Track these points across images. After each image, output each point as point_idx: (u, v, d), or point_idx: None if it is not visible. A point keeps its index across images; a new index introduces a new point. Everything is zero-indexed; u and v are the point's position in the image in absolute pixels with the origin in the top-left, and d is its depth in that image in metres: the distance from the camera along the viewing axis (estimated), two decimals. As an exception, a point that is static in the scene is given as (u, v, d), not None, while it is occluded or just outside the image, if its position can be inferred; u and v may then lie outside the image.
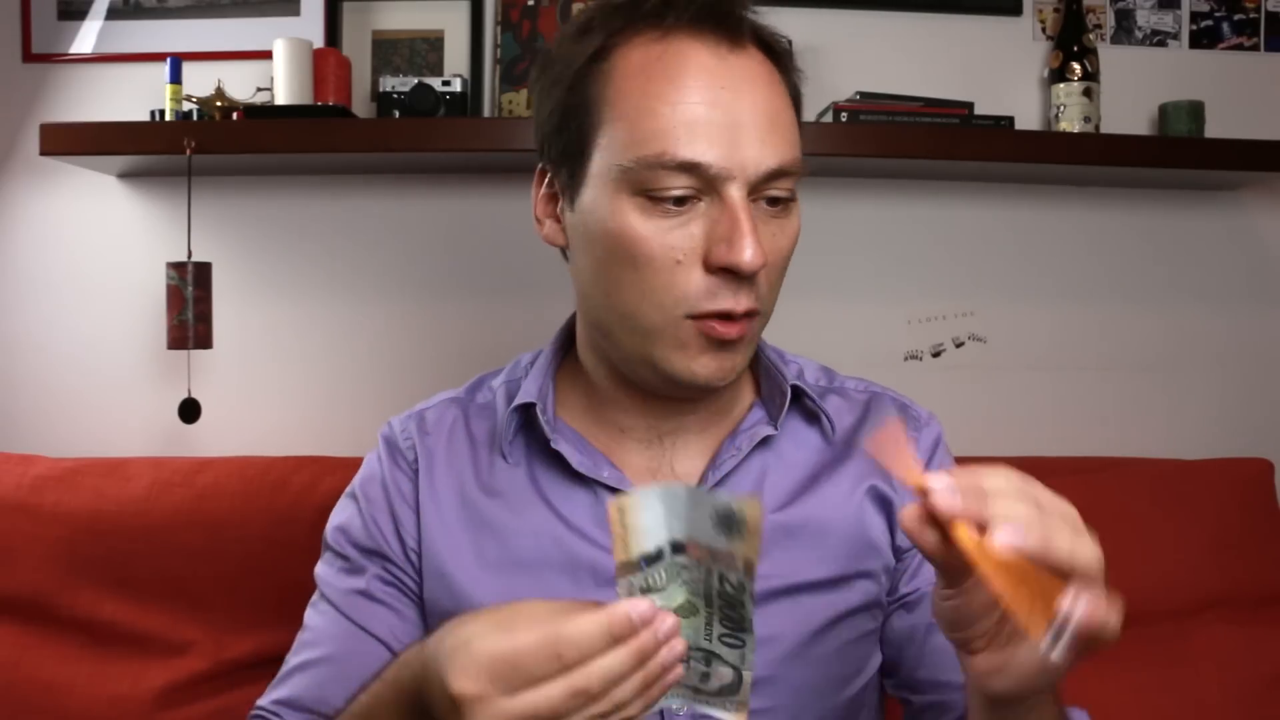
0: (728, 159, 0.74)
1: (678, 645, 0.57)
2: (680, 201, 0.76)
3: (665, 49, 0.76)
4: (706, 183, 0.75)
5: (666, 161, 0.74)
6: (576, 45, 0.80)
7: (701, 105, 0.75)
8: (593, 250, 0.80)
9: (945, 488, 0.55)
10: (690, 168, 0.74)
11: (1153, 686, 1.36)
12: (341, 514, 0.92)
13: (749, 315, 0.78)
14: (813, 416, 0.91)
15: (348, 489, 0.93)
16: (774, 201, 0.79)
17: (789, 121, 0.79)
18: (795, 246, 0.83)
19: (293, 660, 0.87)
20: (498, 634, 0.58)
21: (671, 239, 0.76)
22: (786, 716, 0.83)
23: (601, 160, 0.78)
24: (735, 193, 0.75)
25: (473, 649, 0.58)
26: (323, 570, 0.91)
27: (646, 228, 0.76)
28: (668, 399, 0.85)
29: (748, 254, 0.73)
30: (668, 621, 0.57)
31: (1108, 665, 1.37)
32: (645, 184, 0.75)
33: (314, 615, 0.89)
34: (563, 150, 0.81)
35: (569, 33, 0.82)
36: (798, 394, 0.89)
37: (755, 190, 0.76)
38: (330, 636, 0.86)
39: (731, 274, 0.75)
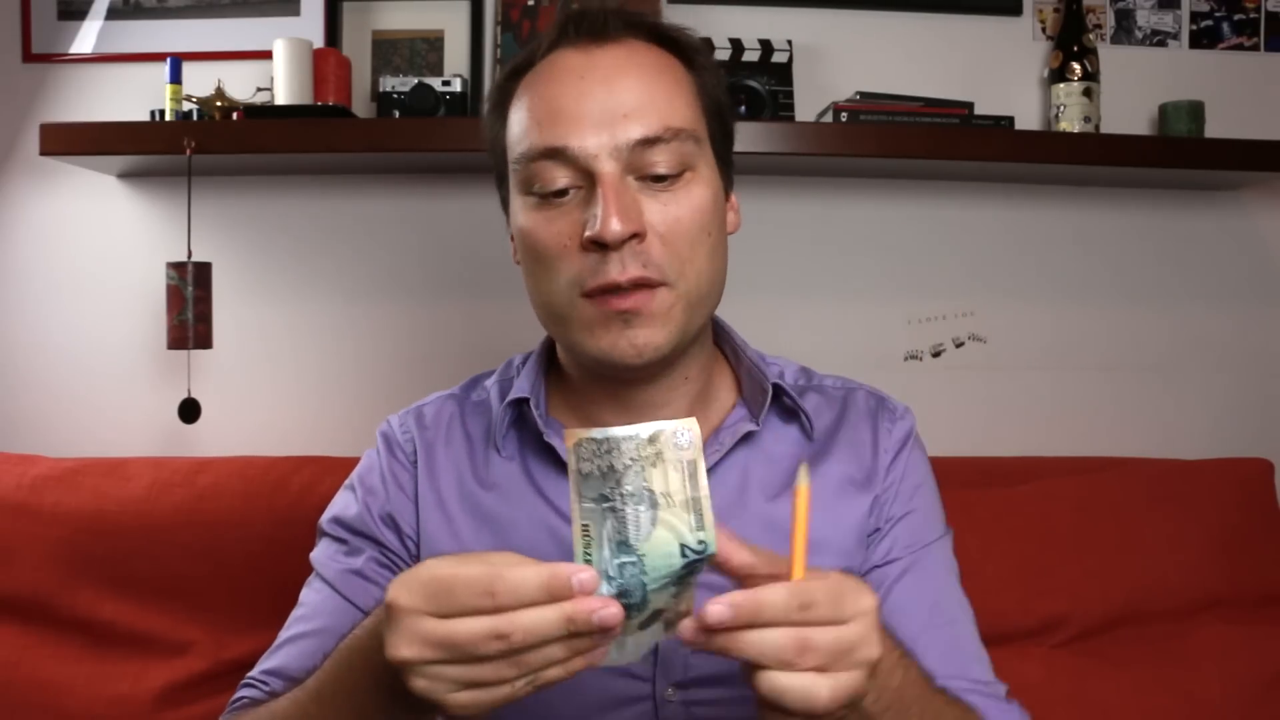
0: (589, 139, 0.79)
1: (612, 631, 0.56)
2: (561, 194, 0.81)
3: (545, 62, 0.85)
4: (579, 170, 0.80)
5: (534, 151, 0.81)
6: (497, 87, 0.89)
7: (563, 98, 0.81)
8: (519, 253, 0.87)
9: (717, 616, 0.57)
10: (555, 153, 0.80)
11: (1153, 686, 1.36)
12: (338, 504, 0.95)
13: (645, 286, 0.79)
14: (792, 414, 0.93)
15: (346, 482, 0.96)
16: (659, 178, 0.81)
17: (666, 95, 0.82)
18: (707, 218, 0.83)
19: (284, 634, 0.90)
20: (449, 563, 0.59)
21: (557, 226, 0.81)
22: None
23: (510, 171, 0.86)
24: (604, 167, 0.79)
25: (419, 569, 0.59)
26: (318, 554, 0.93)
27: (536, 219, 0.82)
28: (632, 386, 0.87)
29: (607, 225, 0.77)
30: (612, 609, 0.55)
31: (1108, 665, 1.38)
32: (529, 180, 0.82)
33: (308, 593, 0.92)
34: (498, 176, 0.90)
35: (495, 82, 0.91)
36: (778, 392, 0.91)
37: (634, 167, 0.80)
38: (323, 611, 0.88)
39: (605, 247, 0.78)
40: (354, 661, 0.69)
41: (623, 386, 0.88)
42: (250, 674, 0.89)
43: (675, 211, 0.81)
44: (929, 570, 0.91)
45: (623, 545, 0.57)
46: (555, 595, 0.55)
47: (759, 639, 0.57)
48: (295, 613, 0.91)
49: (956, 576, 0.94)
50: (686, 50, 0.87)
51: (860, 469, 0.91)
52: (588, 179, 0.80)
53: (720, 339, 0.96)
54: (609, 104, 0.80)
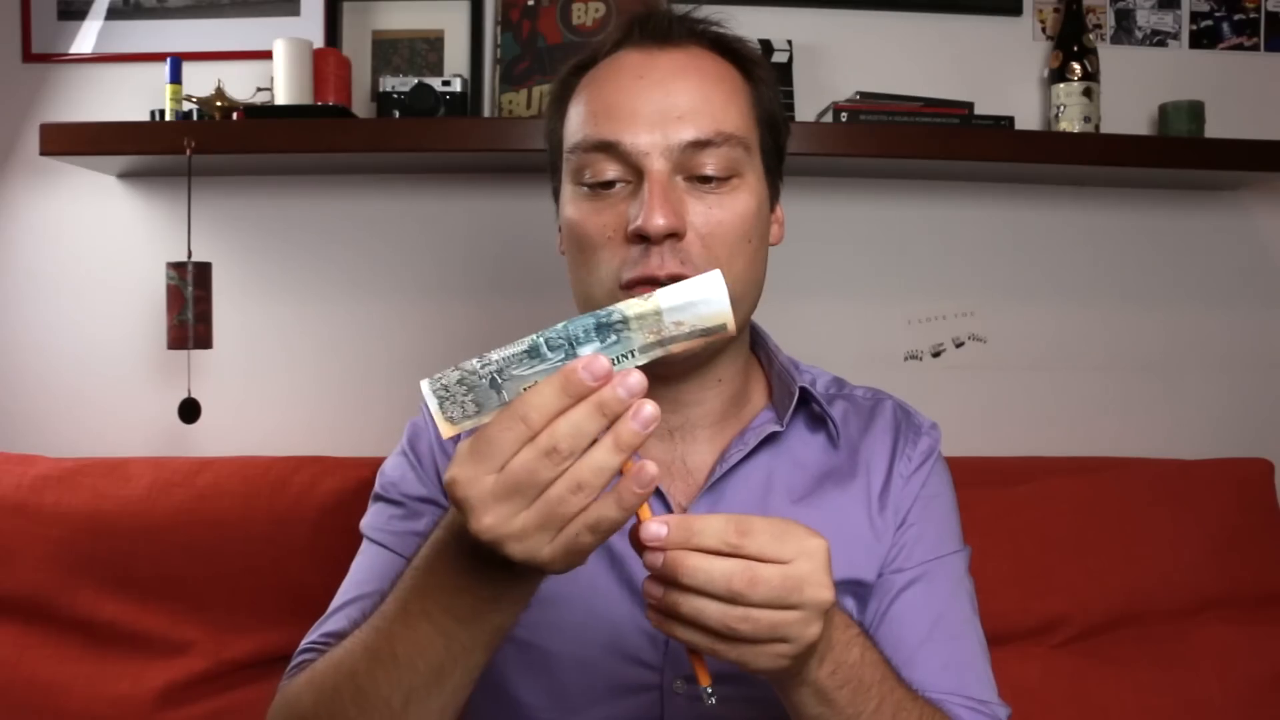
0: (641, 137, 0.81)
1: (647, 407, 0.56)
2: (609, 186, 0.83)
3: (608, 61, 0.87)
4: (630, 166, 0.82)
5: (588, 143, 0.83)
6: (560, 81, 0.91)
7: (620, 94, 0.83)
8: (564, 243, 0.89)
9: (653, 533, 0.59)
10: (607, 147, 0.82)
11: (1153, 686, 1.36)
12: (393, 469, 0.96)
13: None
14: (820, 421, 0.94)
15: (398, 448, 0.97)
16: (707, 179, 0.83)
17: (721, 101, 0.84)
18: (749, 224, 0.84)
19: (338, 600, 0.89)
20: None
21: (603, 218, 0.83)
22: (774, 708, 0.84)
23: (564, 160, 0.88)
24: (654, 165, 0.81)
25: (459, 446, 0.60)
26: (371, 519, 0.93)
27: (584, 210, 0.84)
28: (664, 384, 0.87)
29: (650, 218, 0.79)
30: (633, 377, 0.56)
31: (1108, 665, 1.38)
32: (580, 169, 0.84)
33: (361, 559, 0.91)
34: (552, 166, 0.92)
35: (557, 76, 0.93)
36: (805, 397, 0.92)
37: (683, 168, 0.82)
38: (382, 574, 0.87)
39: (647, 240, 0.80)
40: (434, 564, 0.67)
41: (654, 383, 0.88)
42: (306, 641, 0.87)
43: (719, 214, 0.83)
44: (936, 584, 0.90)
45: (529, 354, 0.58)
46: (575, 393, 0.56)
47: (707, 564, 0.58)
48: (347, 581, 0.90)
49: (968, 594, 0.92)
50: (746, 61, 0.90)
51: (880, 481, 0.92)
52: (636, 174, 0.82)
53: (757, 345, 0.97)
54: (664, 105, 0.82)
